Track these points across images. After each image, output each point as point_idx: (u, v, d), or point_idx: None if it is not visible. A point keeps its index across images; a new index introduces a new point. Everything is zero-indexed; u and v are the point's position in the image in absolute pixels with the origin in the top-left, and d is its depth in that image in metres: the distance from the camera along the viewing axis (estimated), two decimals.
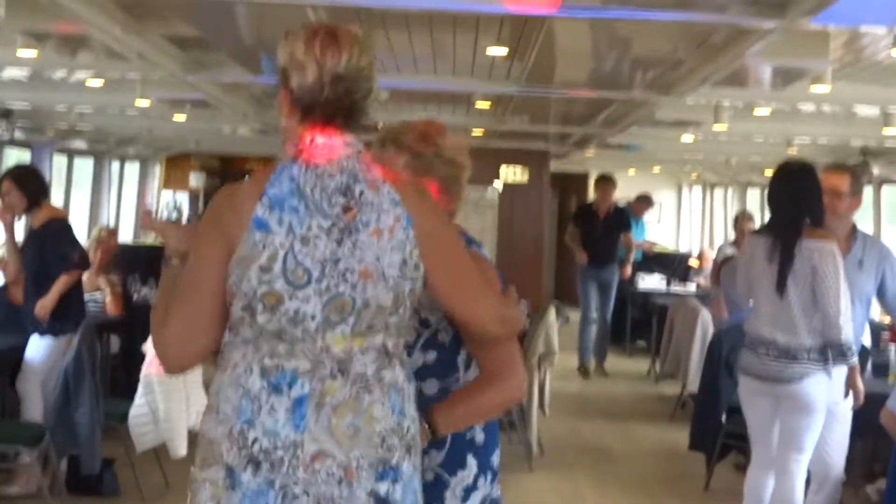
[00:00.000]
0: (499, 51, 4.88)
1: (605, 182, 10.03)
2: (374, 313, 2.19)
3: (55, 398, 5.03)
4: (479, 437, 2.52)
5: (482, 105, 6.95)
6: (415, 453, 2.25)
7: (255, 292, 2.15)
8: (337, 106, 2.22)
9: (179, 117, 8.88)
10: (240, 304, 2.17)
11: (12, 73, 6.57)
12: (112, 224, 11.37)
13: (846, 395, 4.41)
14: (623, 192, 15.02)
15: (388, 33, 4.66)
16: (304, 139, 2.23)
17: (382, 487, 2.17)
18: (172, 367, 2.27)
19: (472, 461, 2.50)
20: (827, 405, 4.43)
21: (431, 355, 2.47)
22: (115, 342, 7.25)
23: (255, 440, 2.15)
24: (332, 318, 2.17)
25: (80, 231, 9.43)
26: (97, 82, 6.57)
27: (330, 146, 2.23)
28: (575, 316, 14.60)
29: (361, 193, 2.20)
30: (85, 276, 6.82)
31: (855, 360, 4.35)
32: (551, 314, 6.94)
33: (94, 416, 5.00)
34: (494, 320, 2.32)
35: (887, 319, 6.08)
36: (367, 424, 2.17)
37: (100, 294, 7.19)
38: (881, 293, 4.70)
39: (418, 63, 5.43)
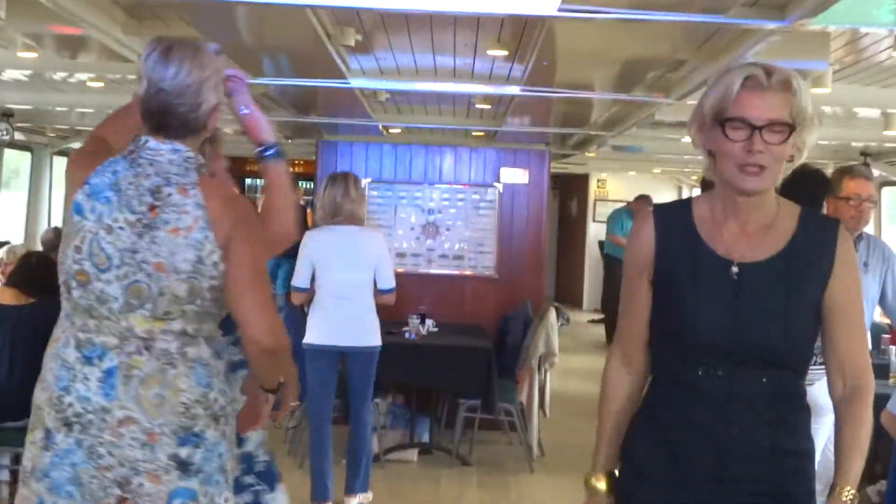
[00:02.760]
0: (499, 52, 4.89)
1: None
2: (169, 301, 2.43)
3: None
4: None
5: (482, 106, 6.95)
6: (223, 422, 2.50)
7: (70, 269, 2.46)
8: (161, 118, 2.50)
9: None
10: (61, 278, 2.50)
11: (13, 74, 6.58)
12: None
13: None
14: (623, 194, 15.05)
15: (389, 35, 4.66)
16: (138, 140, 2.52)
17: (184, 451, 2.42)
18: None
19: None
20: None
21: None
22: None
23: (69, 405, 2.43)
24: (133, 301, 2.43)
25: None
26: (98, 84, 6.57)
27: (156, 150, 2.50)
28: (575, 317, 14.58)
29: (169, 195, 2.45)
30: None
31: None
32: (551, 315, 6.94)
33: None
34: (264, 332, 2.46)
35: (887, 321, 6.08)
36: (173, 395, 2.42)
37: None
38: (882, 296, 4.70)
39: (418, 64, 5.43)
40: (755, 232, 2.28)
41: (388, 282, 5.67)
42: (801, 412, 2.34)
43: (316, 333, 5.65)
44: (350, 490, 5.73)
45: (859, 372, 2.33)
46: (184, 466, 2.42)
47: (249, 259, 2.48)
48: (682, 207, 2.37)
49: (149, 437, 2.40)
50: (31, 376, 4.97)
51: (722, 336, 2.21)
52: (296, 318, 6.32)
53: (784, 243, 2.27)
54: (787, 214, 2.31)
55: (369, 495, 5.82)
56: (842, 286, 2.27)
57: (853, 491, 2.27)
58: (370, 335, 5.66)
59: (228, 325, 2.69)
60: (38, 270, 5.10)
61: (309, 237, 5.72)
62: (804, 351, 2.29)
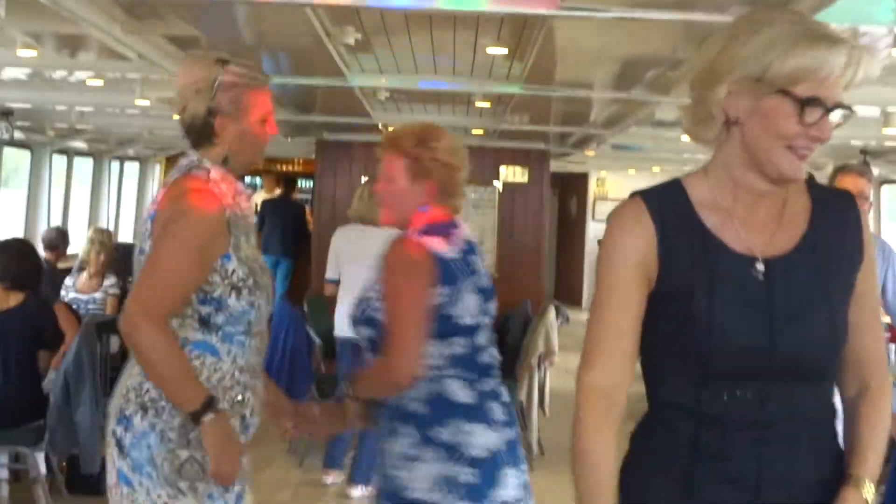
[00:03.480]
0: (499, 50, 4.89)
1: None
2: None
3: (55, 398, 5.02)
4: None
5: (482, 105, 6.95)
6: (153, 415, 2.57)
7: None
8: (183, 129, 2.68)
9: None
10: None
11: (12, 72, 6.57)
12: (111, 224, 11.36)
13: None
14: (623, 193, 15.05)
15: (388, 33, 4.66)
16: None
17: (118, 430, 2.61)
18: None
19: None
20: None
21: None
22: (114, 342, 7.24)
23: None
24: None
25: (79, 231, 9.43)
26: (97, 82, 6.56)
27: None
28: (575, 315, 14.55)
29: (155, 197, 2.66)
30: (84, 277, 6.83)
31: None
32: (551, 314, 6.95)
33: (94, 416, 4.98)
34: (126, 318, 2.54)
35: (887, 319, 6.09)
36: (126, 378, 2.66)
37: (99, 294, 7.18)
38: (882, 293, 4.70)
39: (418, 63, 5.43)
40: (768, 217, 1.83)
41: None
42: (835, 432, 1.89)
43: (345, 325, 5.68)
44: (355, 480, 5.79)
45: (881, 364, 1.90)
46: (119, 445, 2.59)
47: (161, 253, 2.54)
48: (675, 192, 1.85)
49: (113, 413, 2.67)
50: (25, 379, 5.04)
51: (756, 351, 1.76)
52: (291, 317, 6.32)
53: (804, 226, 1.83)
54: (795, 189, 1.85)
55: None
56: (869, 269, 1.86)
57: (872, 488, 1.81)
58: None
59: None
60: (24, 265, 5.07)
61: (337, 233, 5.98)
62: (840, 354, 1.85)
